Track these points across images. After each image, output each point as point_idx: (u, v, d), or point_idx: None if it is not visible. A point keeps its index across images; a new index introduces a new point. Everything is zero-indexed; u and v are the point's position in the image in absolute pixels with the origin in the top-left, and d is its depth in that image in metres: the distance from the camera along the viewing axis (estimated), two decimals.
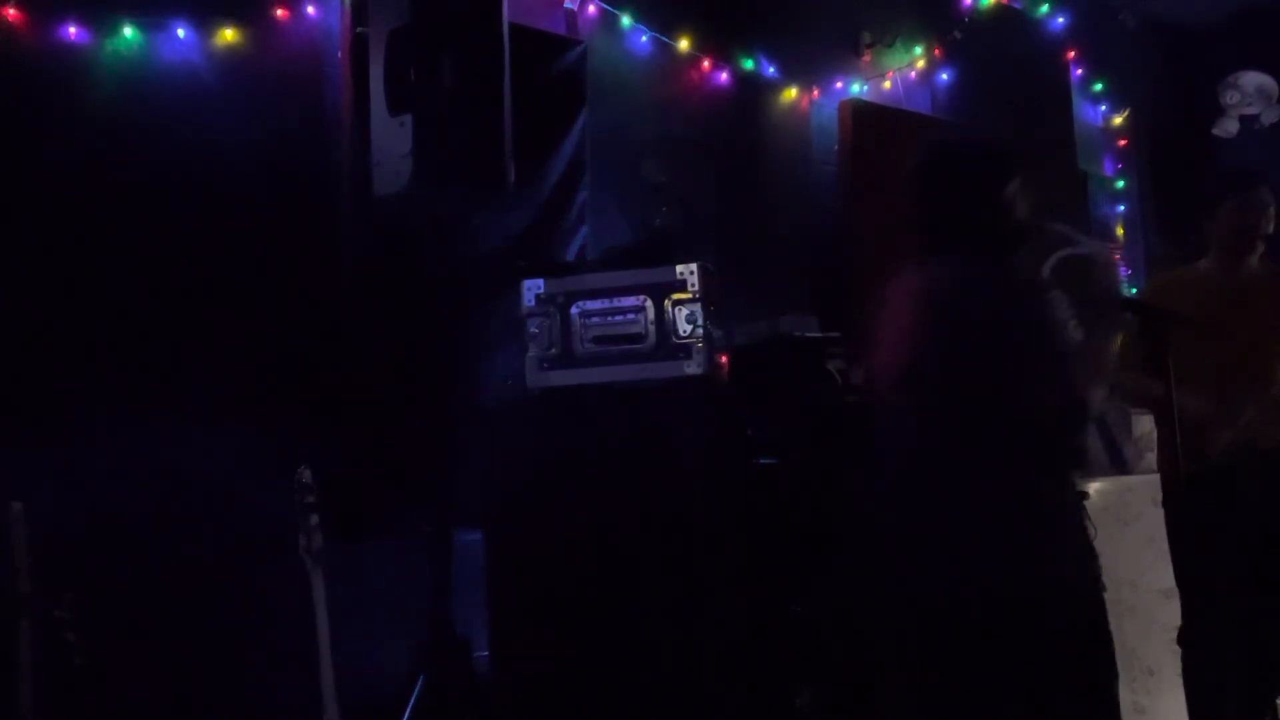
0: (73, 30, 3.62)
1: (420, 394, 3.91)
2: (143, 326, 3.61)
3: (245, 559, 3.53)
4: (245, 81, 3.86)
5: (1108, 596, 2.70)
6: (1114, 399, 3.50)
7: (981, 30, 6.16)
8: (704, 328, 3.46)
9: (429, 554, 3.65)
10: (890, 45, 5.94)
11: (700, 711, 3.31)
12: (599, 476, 3.45)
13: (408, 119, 3.28)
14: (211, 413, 3.55)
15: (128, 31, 3.70)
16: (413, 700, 3.44)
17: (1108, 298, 2.98)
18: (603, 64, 4.78)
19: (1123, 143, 7.41)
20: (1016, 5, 6.59)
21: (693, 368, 3.46)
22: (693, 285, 3.48)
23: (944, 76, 6.16)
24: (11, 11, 3.51)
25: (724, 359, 3.62)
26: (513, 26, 3.56)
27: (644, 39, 4.96)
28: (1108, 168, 7.38)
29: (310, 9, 4.01)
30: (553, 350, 3.54)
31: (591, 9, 4.78)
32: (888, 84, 5.93)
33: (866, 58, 5.85)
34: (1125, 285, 6.32)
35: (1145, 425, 3.93)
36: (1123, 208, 7.33)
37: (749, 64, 5.32)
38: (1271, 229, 3.93)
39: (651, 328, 3.49)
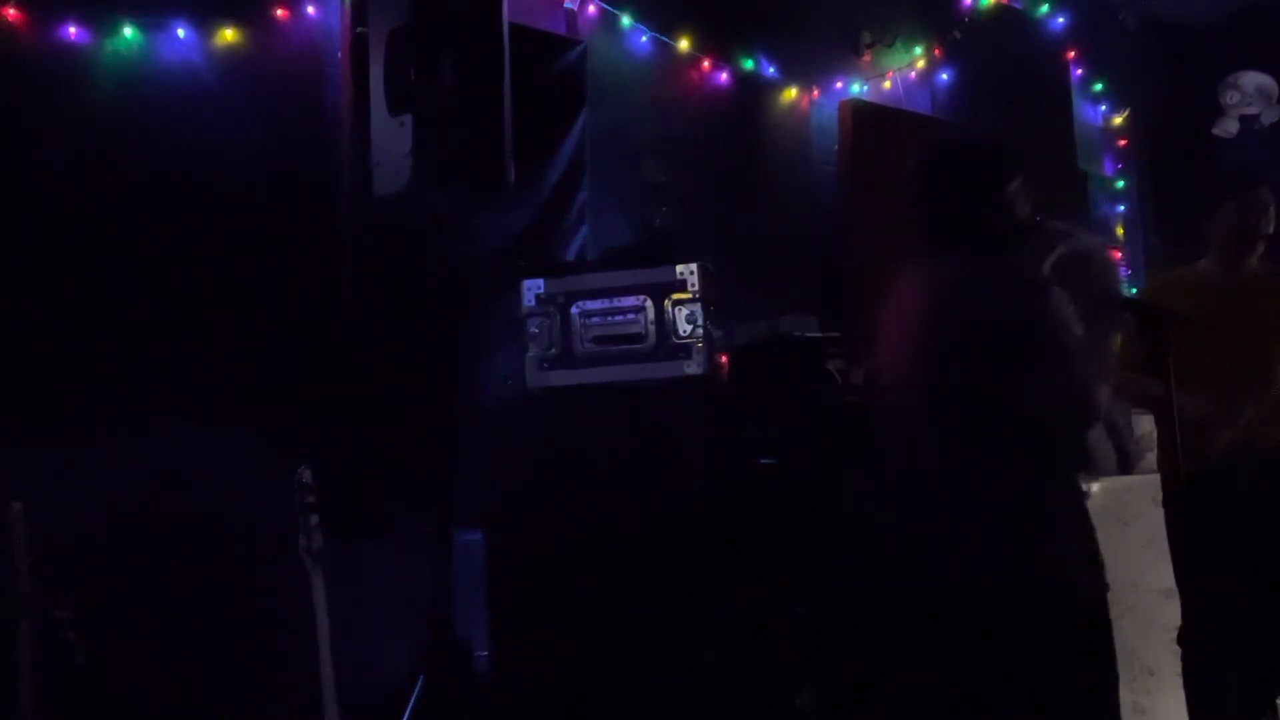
0: (73, 30, 3.62)
1: (420, 394, 3.91)
2: (143, 326, 3.60)
3: (245, 559, 3.53)
4: (245, 81, 3.86)
5: (1108, 597, 2.70)
6: (1119, 399, 3.51)
7: (981, 30, 6.16)
8: (704, 328, 3.46)
9: (429, 554, 3.66)
10: (890, 45, 5.94)
11: (700, 711, 3.31)
12: (599, 476, 3.45)
13: (408, 119, 3.28)
14: (211, 413, 3.55)
15: (128, 31, 3.69)
16: (413, 700, 3.44)
17: (1108, 296, 2.98)
18: (603, 64, 4.78)
19: (1123, 143, 7.41)
20: (1016, 5, 6.59)
21: (693, 368, 3.46)
22: (693, 285, 3.48)
23: (944, 76, 6.16)
24: (11, 11, 3.51)
25: (724, 359, 3.62)
26: (513, 26, 3.56)
27: (644, 39, 4.96)
28: (1108, 168, 7.38)
29: (310, 9, 4.01)
30: (553, 350, 3.54)
31: (591, 9, 4.78)
32: (888, 84, 5.93)
33: (866, 58, 5.85)
34: (1125, 285, 6.32)
35: (1145, 425, 3.93)
36: (1123, 208, 7.32)
37: (749, 64, 5.32)
38: (1271, 229, 3.93)
39: (651, 328, 3.49)
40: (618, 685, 3.35)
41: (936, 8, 6.16)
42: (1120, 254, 6.87)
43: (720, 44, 5.19)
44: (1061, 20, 6.71)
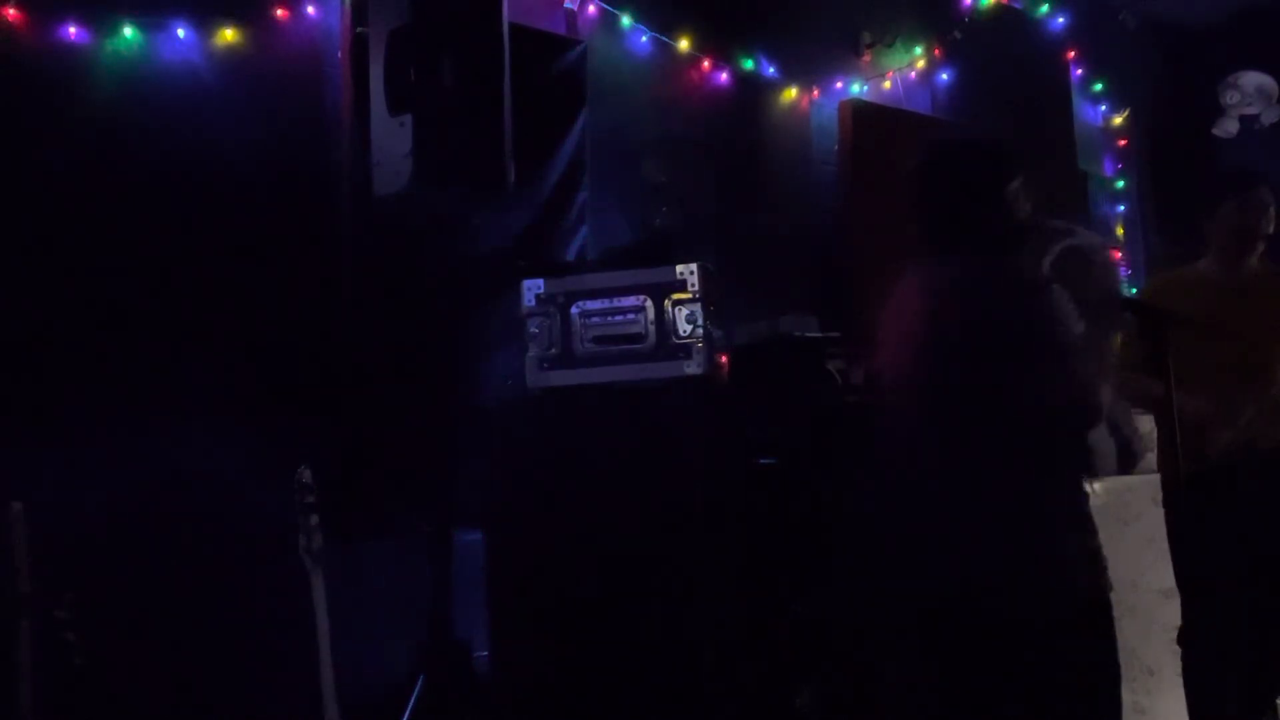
0: (73, 30, 3.62)
1: (420, 394, 3.91)
2: (143, 326, 3.60)
3: (245, 559, 3.52)
4: (245, 81, 3.86)
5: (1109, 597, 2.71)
6: (1122, 398, 3.51)
7: (981, 30, 6.16)
8: (704, 328, 3.46)
9: (429, 554, 3.66)
10: (890, 45, 5.94)
11: (700, 711, 3.31)
12: (599, 476, 3.45)
13: (408, 119, 3.28)
14: (211, 413, 3.55)
15: (128, 31, 3.69)
16: (413, 700, 3.44)
17: (1108, 296, 2.98)
18: (603, 64, 4.78)
19: (1123, 143, 7.41)
20: (1016, 5, 6.59)
21: (693, 368, 3.46)
22: (693, 285, 3.48)
23: (944, 76, 6.16)
24: (11, 11, 3.51)
25: (724, 359, 3.62)
26: (513, 26, 3.56)
27: (644, 39, 4.96)
28: (1108, 168, 7.38)
29: (310, 9, 4.01)
30: (553, 350, 3.54)
31: (591, 9, 4.78)
32: (888, 84, 5.93)
33: (866, 58, 5.85)
34: (1125, 285, 6.32)
35: (1145, 425, 3.93)
36: (1123, 208, 7.32)
37: (749, 64, 5.32)
38: (1271, 229, 3.93)
39: (651, 328, 3.49)
40: (618, 685, 3.35)
41: (936, 8, 6.16)
42: (1120, 254, 6.87)
43: (720, 44, 5.19)
44: (1061, 20, 6.71)
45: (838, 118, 5.69)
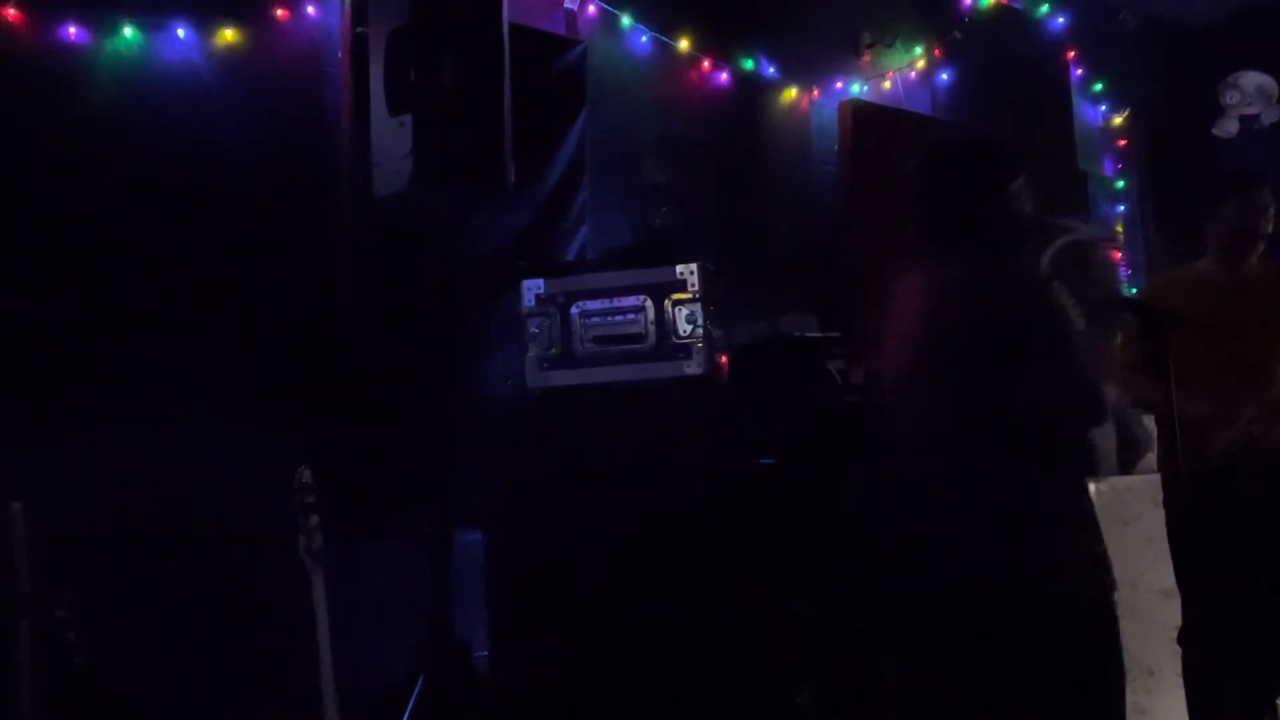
0: (73, 30, 3.62)
1: (420, 394, 3.91)
2: (143, 326, 3.61)
3: (245, 559, 3.53)
4: (245, 81, 3.86)
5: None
6: (1124, 398, 3.51)
7: (981, 30, 6.16)
8: (704, 328, 3.46)
9: (429, 554, 3.66)
10: (890, 45, 5.94)
11: (700, 711, 3.31)
12: (599, 476, 3.45)
13: (408, 119, 3.28)
14: (211, 412, 3.55)
15: (128, 31, 3.70)
16: (413, 700, 3.44)
17: (1108, 295, 2.98)
18: (603, 64, 4.78)
19: (1123, 143, 7.41)
20: (1016, 5, 6.59)
21: (693, 368, 3.46)
22: (693, 285, 3.48)
23: (944, 76, 6.16)
24: (11, 11, 3.51)
25: (724, 359, 3.62)
26: (513, 26, 3.57)
27: (644, 39, 4.96)
28: (1108, 168, 7.38)
29: (310, 9, 4.01)
30: (553, 350, 3.54)
31: (591, 9, 4.78)
32: (888, 84, 5.93)
33: (866, 58, 5.85)
34: (1125, 285, 6.32)
35: (1145, 425, 3.93)
36: (1123, 208, 7.32)
37: (749, 64, 5.32)
38: (1271, 229, 3.93)
39: (651, 328, 3.49)
40: (618, 685, 3.35)
41: (936, 8, 6.16)
42: (1120, 254, 6.87)
43: (720, 44, 5.19)
44: (1061, 20, 6.71)
45: (838, 118, 5.69)
